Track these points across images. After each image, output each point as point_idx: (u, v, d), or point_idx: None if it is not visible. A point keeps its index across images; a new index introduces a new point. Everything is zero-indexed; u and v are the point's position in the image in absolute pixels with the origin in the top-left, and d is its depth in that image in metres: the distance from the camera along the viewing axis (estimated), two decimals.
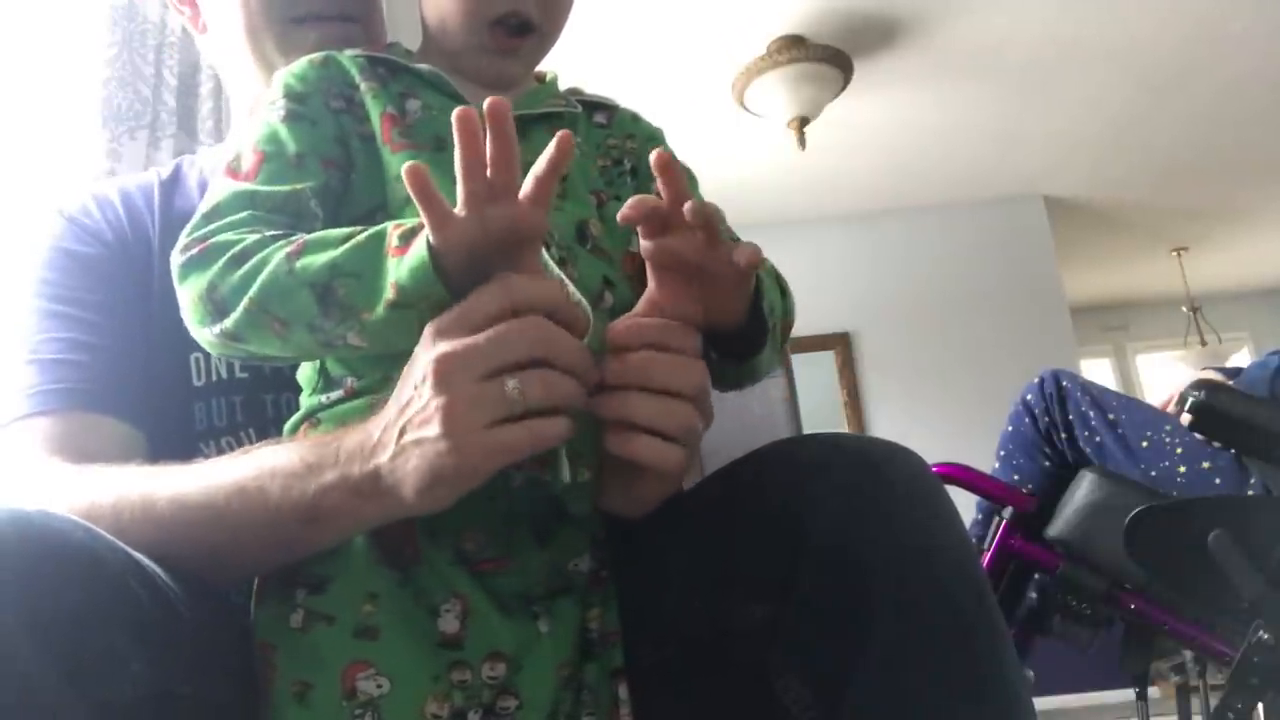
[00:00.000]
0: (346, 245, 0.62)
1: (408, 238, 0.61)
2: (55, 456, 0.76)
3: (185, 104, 1.58)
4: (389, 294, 0.60)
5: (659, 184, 0.65)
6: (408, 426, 0.60)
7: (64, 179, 1.39)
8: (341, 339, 0.63)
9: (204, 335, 0.68)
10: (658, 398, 0.64)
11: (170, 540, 0.64)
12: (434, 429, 0.59)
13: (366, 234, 0.63)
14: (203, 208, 0.70)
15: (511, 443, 0.60)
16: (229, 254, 0.65)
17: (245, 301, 0.64)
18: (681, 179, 0.65)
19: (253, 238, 0.65)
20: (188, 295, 0.67)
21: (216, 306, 0.65)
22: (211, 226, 0.68)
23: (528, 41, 0.80)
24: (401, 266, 0.60)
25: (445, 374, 0.59)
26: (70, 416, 0.79)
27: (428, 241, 0.59)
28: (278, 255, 0.63)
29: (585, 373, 0.63)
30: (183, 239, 0.68)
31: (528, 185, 0.61)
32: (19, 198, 1.35)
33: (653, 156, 0.65)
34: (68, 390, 0.80)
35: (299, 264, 0.62)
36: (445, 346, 0.60)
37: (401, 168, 0.59)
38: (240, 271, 0.64)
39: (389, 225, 0.63)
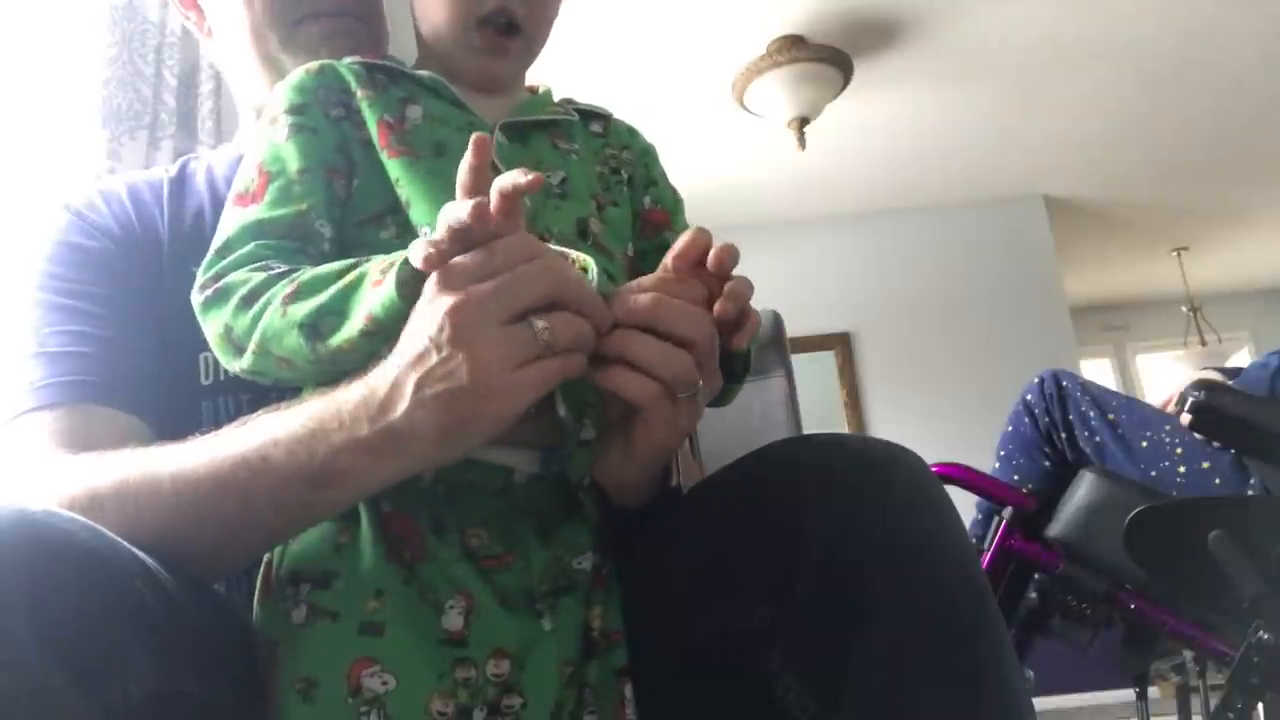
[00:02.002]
0: (336, 287, 0.64)
1: (386, 272, 0.62)
2: (61, 449, 0.76)
3: (185, 104, 1.58)
4: (363, 323, 0.62)
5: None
6: (426, 381, 0.60)
7: (64, 179, 1.40)
8: (335, 361, 0.65)
9: (231, 369, 0.70)
10: (656, 340, 0.64)
11: (181, 518, 0.64)
12: (461, 379, 0.59)
13: (355, 273, 0.65)
14: (216, 242, 0.72)
15: (541, 378, 0.61)
16: (239, 295, 0.67)
17: (252, 345, 0.66)
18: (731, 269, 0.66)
19: (259, 277, 0.67)
20: (210, 333, 0.70)
21: (234, 346, 0.68)
22: (224, 264, 0.70)
23: (516, 42, 0.81)
24: (375, 297, 0.62)
25: (463, 325, 0.59)
26: (75, 409, 0.79)
27: (397, 275, 0.61)
28: (275, 299, 0.66)
29: (596, 315, 0.64)
30: (200, 276, 0.70)
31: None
32: (20, 198, 1.35)
33: (713, 257, 0.65)
34: (72, 383, 0.80)
35: (291, 308, 0.65)
36: (457, 296, 0.60)
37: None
38: (249, 314, 0.66)
39: (372, 265, 0.64)
